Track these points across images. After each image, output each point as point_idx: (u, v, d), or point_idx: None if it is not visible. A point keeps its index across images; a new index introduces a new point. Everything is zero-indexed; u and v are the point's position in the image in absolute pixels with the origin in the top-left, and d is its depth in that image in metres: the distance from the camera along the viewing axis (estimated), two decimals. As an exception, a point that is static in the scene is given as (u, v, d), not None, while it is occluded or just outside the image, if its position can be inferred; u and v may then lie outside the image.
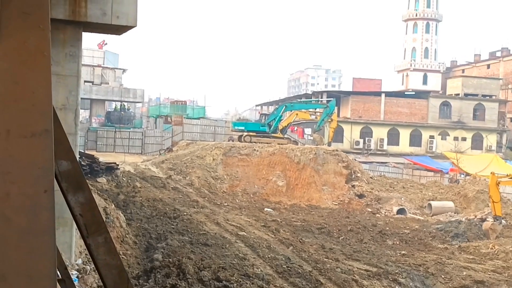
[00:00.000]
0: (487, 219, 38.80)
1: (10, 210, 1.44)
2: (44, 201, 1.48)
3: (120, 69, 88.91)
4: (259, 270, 23.77)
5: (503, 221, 38.07)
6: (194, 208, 34.70)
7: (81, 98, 21.76)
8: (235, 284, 21.71)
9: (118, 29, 24.61)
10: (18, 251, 1.39)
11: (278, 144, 52.54)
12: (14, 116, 1.54)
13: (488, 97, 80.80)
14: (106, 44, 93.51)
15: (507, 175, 40.84)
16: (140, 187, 35.73)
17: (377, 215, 44.43)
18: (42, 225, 1.44)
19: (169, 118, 71.54)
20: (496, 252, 32.17)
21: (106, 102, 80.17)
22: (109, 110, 78.33)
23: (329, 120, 59.11)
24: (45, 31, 1.67)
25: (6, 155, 1.49)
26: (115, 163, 38.13)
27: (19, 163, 1.50)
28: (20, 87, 1.59)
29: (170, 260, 21.17)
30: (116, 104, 79.21)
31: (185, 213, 32.02)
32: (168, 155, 52.41)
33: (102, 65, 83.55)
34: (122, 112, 73.32)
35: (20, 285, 1.33)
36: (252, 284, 22.05)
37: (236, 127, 60.27)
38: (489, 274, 28.33)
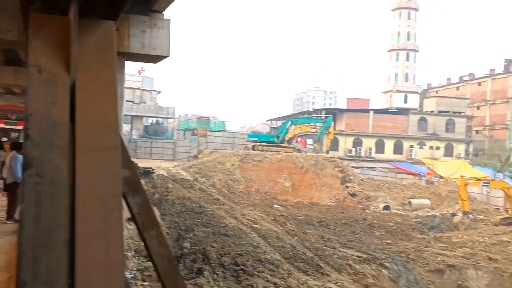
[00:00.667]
0: (457, 214, 38.89)
1: (88, 211, 1.46)
2: (114, 203, 1.50)
3: (155, 91, 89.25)
4: (270, 256, 23.72)
5: (470, 215, 38.33)
6: (216, 205, 34.72)
7: (124, 115, 21.86)
8: (250, 268, 21.66)
9: (155, 59, 24.73)
10: (95, 245, 1.41)
11: (285, 152, 52.61)
12: (90, 135, 1.57)
13: (457, 114, 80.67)
14: (144, 70, 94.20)
15: (473, 178, 41.23)
16: (171, 188, 35.78)
17: (367, 210, 44.39)
18: (113, 223, 1.46)
19: (195, 131, 71.73)
20: (464, 241, 32.13)
21: (144, 118, 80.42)
22: (147, 124, 78.46)
23: (327, 132, 59.75)
24: (112, 66, 1.69)
25: (84, 165, 1.51)
26: (151, 168, 38.54)
27: (94, 172, 1.53)
28: (94, 111, 1.61)
29: (197, 248, 21.18)
30: (152, 120, 79.48)
31: (208, 209, 32.03)
32: (194, 162, 52.46)
33: (140, 88, 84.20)
34: (157, 126, 73.47)
35: (99, 274, 1.34)
36: (264, 267, 22.00)
37: (250, 138, 60.86)
38: (459, 260, 28.20)
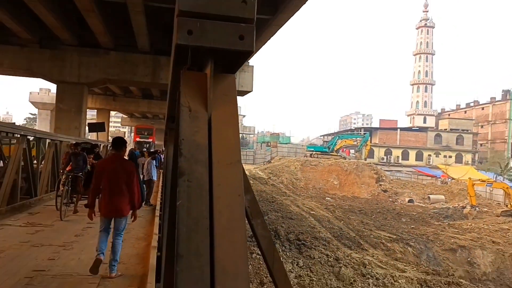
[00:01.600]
0: (466, 207, 37.20)
1: (221, 206, 1.51)
2: (238, 201, 1.54)
3: (242, 115, 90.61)
4: (323, 234, 23.50)
5: (477, 208, 36.62)
6: (284, 196, 34.82)
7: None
8: (308, 243, 21.51)
9: (242, 94, 25.25)
10: (226, 230, 1.45)
11: (334, 159, 52.31)
12: (221, 153, 1.61)
13: (465, 131, 77.42)
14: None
15: (479, 179, 39.65)
16: (252, 184, 36.08)
17: (395, 203, 43.06)
18: (238, 215, 1.51)
19: (269, 143, 72.09)
20: (472, 228, 30.58)
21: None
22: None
23: (365, 145, 59.67)
24: (235, 105, 1.74)
25: (218, 174, 1.56)
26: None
27: (224, 179, 1.57)
28: (223, 136, 1.66)
29: (270, 227, 21.21)
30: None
31: (278, 199, 32.12)
32: (268, 165, 52.68)
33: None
34: (242, 140, 74.40)
35: (228, 251, 1.39)
36: (318, 243, 21.78)
37: (308, 149, 61.30)
38: (468, 242, 26.85)
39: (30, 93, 55.27)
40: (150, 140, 44.28)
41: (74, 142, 11.57)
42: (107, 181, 5.54)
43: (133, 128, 59.47)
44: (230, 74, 1.84)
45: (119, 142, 5.86)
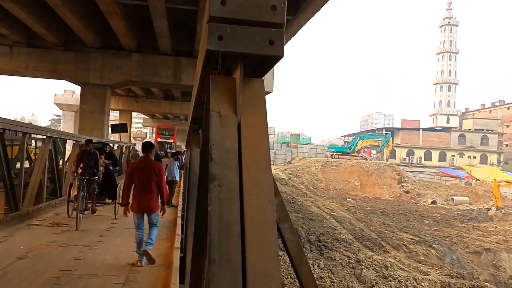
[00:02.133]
0: (491, 208, 36.34)
1: (252, 212, 1.51)
2: (269, 206, 1.54)
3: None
4: (344, 236, 23.35)
5: (502, 210, 35.71)
6: (304, 197, 34.73)
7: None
8: (329, 244, 21.40)
9: (263, 93, 25.30)
10: (257, 235, 1.45)
11: (355, 160, 51.97)
12: (251, 158, 1.61)
13: (490, 131, 75.61)
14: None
15: (504, 180, 38.69)
16: (273, 184, 35.99)
17: (418, 204, 42.43)
18: (268, 220, 1.51)
19: (289, 144, 71.91)
20: (498, 230, 29.90)
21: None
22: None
23: (387, 145, 59.12)
24: (264, 110, 1.74)
25: (248, 179, 1.57)
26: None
27: (256, 184, 1.58)
28: (253, 141, 1.66)
29: (292, 228, 21.15)
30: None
31: (298, 200, 32.08)
32: (288, 166, 52.56)
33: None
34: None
35: (260, 256, 1.39)
36: (340, 244, 21.64)
37: (329, 150, 61.00)
38: (493, 245, 26.28)
39: (55, 95, 56.41)
40: (172, 140, 44.33)
41: (86, 139, 10.40)
42: (139, 181, 6.15)
43: (154, 128, 60.12)
44: (258, 79, 1.85)
45: (148, 145, 6.56)
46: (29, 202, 9.92)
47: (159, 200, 6.26)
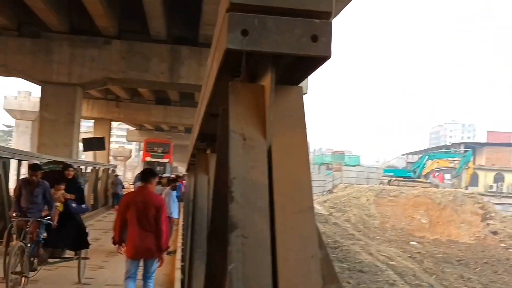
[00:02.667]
0: None
1: (289, 272, 1.53)
2: (313, 265, 1.56)
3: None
4: (408, 295, 23.08)
5: None
6: (351, 240, 34.46)
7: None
8: (387, 307, 21.15)
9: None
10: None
11: (422, 187, 51.42)
12: (287, 196, 1.64)
13: None
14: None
15: None
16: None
17: (510, 250, 41.56)
18: (311, 285, 1.53)
19: (330, 165, 71.59)
20: None
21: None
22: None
23: (466, 167, 58.69)
24: (303, 129, 1.77)
25: (283, 226, 1.59)
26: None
27: (292, 233, 1.60)
28: (289, 173, 1.69)
29: (333, 284, 20.99)
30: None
31: (343, 244, 31.87)
32: (329, 196, 52.31)
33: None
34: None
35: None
36: (402, 307, 21.37)
37: (386, 173, 60.75)
38: None
39: (5, 97, 57.24)
40: (166, 160, 43.95)
41: (32, 162, 9.63)
42: (134, 217, 6.57)
43: (142, 144, 59.86)
44: (296, 86, 1.87)
45: (148, 173, 7.14)
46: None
47: (158, 244, 6.71)
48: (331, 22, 1.69)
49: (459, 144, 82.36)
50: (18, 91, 58.78)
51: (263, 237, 1.55)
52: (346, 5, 18.84)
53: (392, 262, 29.74)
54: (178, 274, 8.93)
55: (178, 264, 10.16)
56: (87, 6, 18.98)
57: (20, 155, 13.81)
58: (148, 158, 42.88)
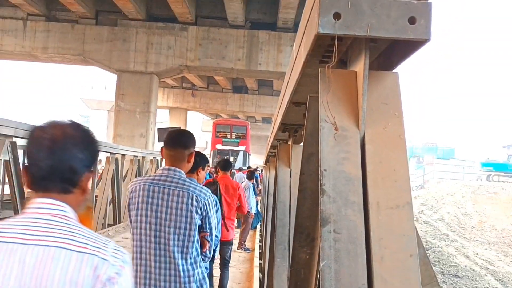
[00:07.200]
0: None
1: (385, 272, 1.53)
2: (411, 264, 1.55)
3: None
4: (510, 304, 22.43)
5: None
6: (445, 241, 33.71)
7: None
8: (486, 316, 20.60)
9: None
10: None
11: (527, 183, 49.42)
12: (382, 190, 1.64)
13: None
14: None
15: None
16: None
17: None
18: (410, 285, 1.52)
19: (420, 158, 70.13)
20: None
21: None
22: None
23: None
24: (400, 118, 1.76)
25: (377, 223, 1.59)
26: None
27: (388, 230, 1.60)
28: (384, 166, 1.69)
29: None
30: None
31: (436, 246, 31.26)
32: (420, 192, 51.30)
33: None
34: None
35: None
36: (502, 316, 20.76)
37: (484, 167, 58.47)
38: None
39: (82, 87, 59.42)
40: (242, 147, 36.91)
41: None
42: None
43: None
44: (392, 72, 1.87)
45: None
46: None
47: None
48: (430, 3, 1.67)
49: None
50: (94, 81, 60.55)
51: (357, 234, 1.56)
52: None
53: (492, 267, 28.91)
54: (256, 273, 9.03)
55: (257, 262, 10.27)
56: (164, -9, 19.46)
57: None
58: (219, 146, 35.99)
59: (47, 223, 1.63)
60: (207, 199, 3.72)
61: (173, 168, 3.68)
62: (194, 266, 3.66)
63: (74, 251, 1.58)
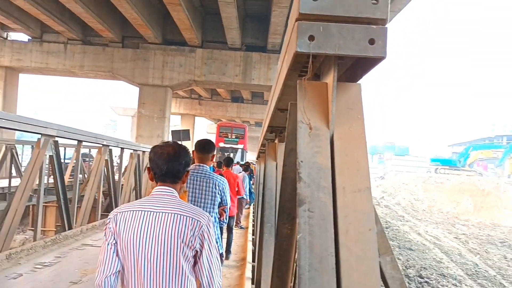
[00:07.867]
0: None
1: (349, 242, 1.53)
2: (370, 237, 1.56)
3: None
4: (452, 271, 22.38)
5: None
6: (401, 221, 33.80)
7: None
8: (434, 281, 20.57)
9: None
10: (356, 270, 1.48)
11: (467, 175, 49.62)
12: (347, 178, 1.64)
13: None
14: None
15: None
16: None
17: (551, 233, 39.47)
18: (369, 254, 1.52)
19: (381, 155, 70.43)
20: None
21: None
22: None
23: (510, 157, 55.53)
24: (362, 120, 1.76)
25: (343, 204, 1.59)
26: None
27: (352, 209, 1.60)
28: (349, 158, 1.69)
29: (385, 259, 20.66)
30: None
31: (394, 225, 31.30)
32: (381, 182, 51.45)
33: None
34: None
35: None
36: (447, 282, 20.75)
37: (433, 162, 58.87)
38: None
39: (110, 97, 59.91)
40: (240, 145, 37.14)
41: None
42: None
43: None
44: (355, 83, 1.87)
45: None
46: (83, 220, 10.58)
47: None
48: (386, 27, 1.68)
49: (502, 136, 78.93)
50: (120, 92, 61.17)
51: (327, 212, 1.56)
52: (397, 13, 18.45)
53: (439, 242, 28.92)
54: (249, 246, 9.03)
55: (250, 237, 10.27)
56: (177, 22, 19.70)
57: (123, 144, 14.37)
58: (221, 144, 36.25)
59: (166, 199, 2.33)
60: (224, 185, 4.60)
61: (202, 164, 4.56)
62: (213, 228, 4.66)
63: (182, 215, 2.26)
